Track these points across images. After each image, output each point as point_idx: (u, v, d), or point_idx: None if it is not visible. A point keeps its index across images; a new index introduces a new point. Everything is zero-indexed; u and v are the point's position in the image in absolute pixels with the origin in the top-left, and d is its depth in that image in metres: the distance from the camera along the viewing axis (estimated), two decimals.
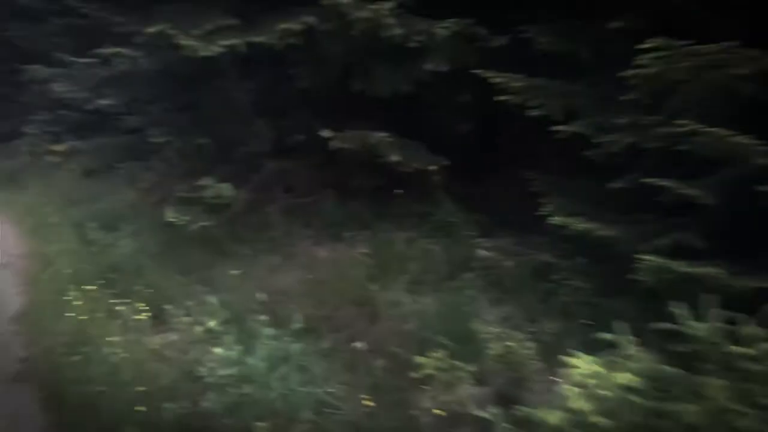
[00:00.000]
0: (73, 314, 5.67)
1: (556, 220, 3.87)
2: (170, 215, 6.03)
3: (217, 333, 4.37)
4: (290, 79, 5.93)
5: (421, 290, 4.83)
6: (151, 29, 5.15)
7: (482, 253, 4.94)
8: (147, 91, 6.30)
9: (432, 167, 5.45)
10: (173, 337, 4.96)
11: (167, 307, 5.42)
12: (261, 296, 5.05)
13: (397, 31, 4.93)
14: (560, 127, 3.98)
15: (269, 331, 3.83)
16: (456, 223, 5.30)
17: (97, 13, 5.37)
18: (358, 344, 3.98)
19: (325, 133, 5.22)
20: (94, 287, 5.79)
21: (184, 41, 5.13)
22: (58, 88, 5.96)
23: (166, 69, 5.69)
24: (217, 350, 3.68)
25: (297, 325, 4.06)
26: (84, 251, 7.21)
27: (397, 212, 5.77)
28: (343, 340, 4.09)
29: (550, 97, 4.14)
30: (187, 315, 5.00)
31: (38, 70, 10.16)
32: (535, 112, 4.10)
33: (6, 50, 17.56)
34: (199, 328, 4.55)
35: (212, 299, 4.88)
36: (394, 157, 5.31)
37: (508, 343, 3.59)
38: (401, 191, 5.51)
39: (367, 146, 5.29)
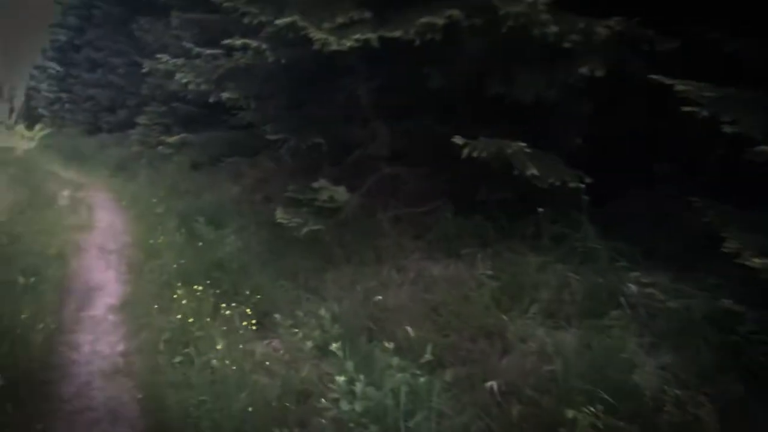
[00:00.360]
0: (176, 311, 5.48)
1: (755, 262, 3.14)
2: (280, 216, 5.73)
3: (328, 351, 3.94)
4: (418, 79, 5.48)
5: (557, 324, 4.20)
6: (282, 21, 4.85)
7: (632, 288, 4.24)
8: (267, 86, 6.06)
9: (571, 183, 4.80)
10: (280, 348, 4.61)
11: (274, 314, 5.10)
12: (374, 313, 4.60)
13: (552, 29, 4.35)
14: (762, 148, 3.25)
15: (394, 360, 3.35)
16: (598, 250, 4.63)
17: (229, 4, 5.15)
18: (491, 384, 3.40)
19: (458, 140, 4.69)
20: (199, 285, 5.57)
21: (316, 34, 4.79)
22: (180, 79, 5.79)
23: (290, 64, 5.39)
24: (340, 379, 3.22)
25: (427, 357, 3.54)
26: (189, 245, 7.09)
27: (526, 231, 5.16)
28: (472, 376, 3.54)
29: (747, 111, 3.43)
30: (295, 326, 4.63)
31: (156, 63, 10.35)
32: (729, 128, 3.39)
33: (128, 44, 18.50)
34: (309, 344, 4.15)
35: (323, 312, 4.47)
36: (531, 170, 4.70)
37: (688, 408, 2.91)
38: (540, 209, 4.88)
39: (502, 156, 4.72)
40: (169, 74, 10.98)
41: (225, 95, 5.72)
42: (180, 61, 6.03)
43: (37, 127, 37.52)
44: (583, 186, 4.60)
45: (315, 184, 5.51)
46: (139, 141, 15.58)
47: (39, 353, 4.81)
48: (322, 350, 4.13)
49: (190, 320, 5.13)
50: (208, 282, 5.74)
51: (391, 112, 5.92)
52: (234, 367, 4.26)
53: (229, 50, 5.77)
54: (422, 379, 3.27)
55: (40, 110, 35.84)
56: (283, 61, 5.30)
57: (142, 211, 10.72)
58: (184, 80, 5.90)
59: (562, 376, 3.49)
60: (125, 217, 11.00)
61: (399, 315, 4.52)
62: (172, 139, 10.43)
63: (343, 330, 4.28)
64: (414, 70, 5.42)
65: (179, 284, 5.88)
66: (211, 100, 5.96)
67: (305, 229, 5.53)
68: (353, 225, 6.23)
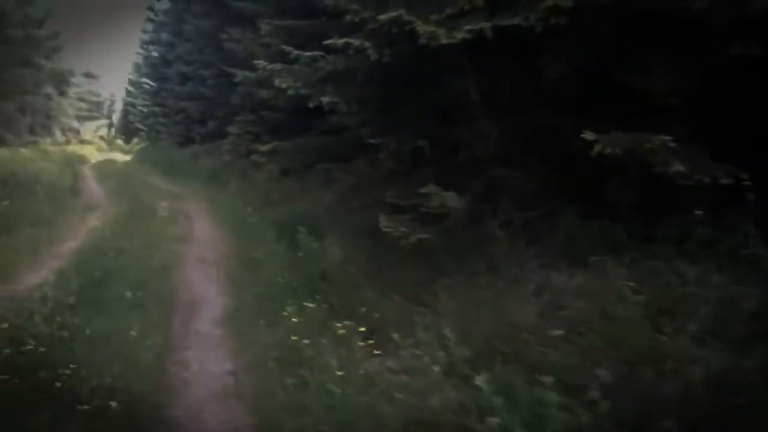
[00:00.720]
0: (282, 327, 5.26)
1: None
2: (384, 224, 5.38)
3: (458, 377, 3.53)
4: (532, 71, 4.98)
5: (723, 346, 3.56)
6: (386, 16, 4.51)
7: None
8: (368, 88, 5.74)
9: (725, 180, 4.14)
10: (398, 370, 4.24)
11: (388, 332, 4.76)
12: (502, 331, 4.14)
13: (700, 4, 3.75)
14: None
15: (550, 396, 2.87)
16: (765, 258, 3.95)
17: (330, 2, 4.89)
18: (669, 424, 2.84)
19: (588, 136, 4.15)
20: (305, 300, 5.33)
21: (423, 28, 4.41)
22: (279, 84, 5.57)
23: (393, 62, 5.04)
24: (493, 420, 2.78)
25: (594, 394, 3.03)
26: (289, 257, 6.91)
27: (668, 236, 4.52)
28: (641, 412, 3.00)
29: None
30: (414, 346, 4.25)
31: (250, 72, 10.39)
32: None
33: (217, 56, 18.96)
34: (436, 369, 3.74)
35: (447, 332, 4.05)
36: (676, 167, 4.09)
37: None
38: (699, 212, 4.23)
39: (639, 152, 4.14)
40: (260, 82, 11.04)
41: (325, 99, 5.44)
42: (278, 66, 5.82)
43: (134, 140, 39.73)
44: (745, 182, 3.93)
45: (423, 190, 5.12)
46: (229, 150, 15.87)
47: (150, 373, 4.69)
48: (449, 374, 3.72)
49: (299, 338, 4.88)
50: (315, 296, 5.49)
51: (501, 108, 5.43)
52: (352, 392, 3.93)
53: (329, 52, 5.49)
54: (585, 418, 2.76)
55: (136, 124, 37.80)
56: (385, 59, 4.96)
57: (237, 220, 10.78)
58: (283, 85, 5.69)
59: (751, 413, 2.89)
60: (221, 227, 11.10)
61: (532, 334, 4.02)
62: (264, 148, 10.40)
63: (471, 353, 3.84)
64: (528, 61, 4.92)
65: (283, 298, 5.68)
66: (311, 105, 5.71)
67: (412, 239, 5.15)
68: (461, 232, 5.79)
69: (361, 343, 4.66)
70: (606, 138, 4.24)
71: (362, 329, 4.83)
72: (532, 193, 5.78)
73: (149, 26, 36.76)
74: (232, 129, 15.60)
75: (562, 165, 5.45)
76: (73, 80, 40.23)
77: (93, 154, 36.19)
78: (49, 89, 33.13)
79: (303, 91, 5.61)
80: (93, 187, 17.79)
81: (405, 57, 5.05)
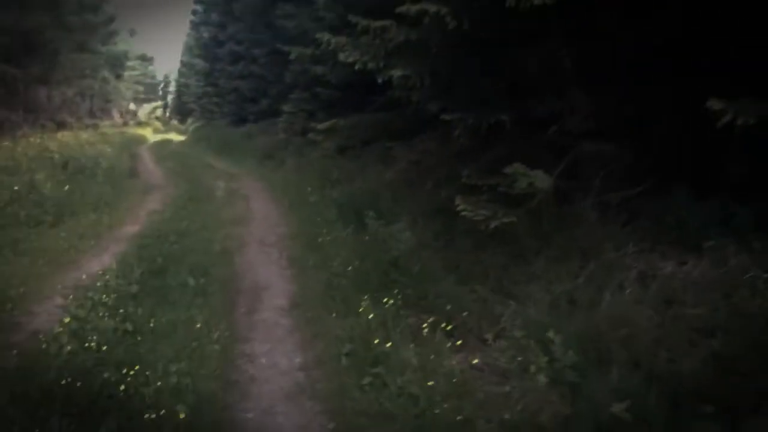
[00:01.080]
0: (352, 317, 4.87)
1: None
2: (462, 207, 4.88)
3: (568, 387, 3.06)
4: (635, 32, 4.33)
5: None
6: None
7: None
8: (441, 59, 5.20)
9: None
10: (486, 370, 3.80)
11: (473, 327, 4.31)
12: (611, 332, 3.61)
13: None
14: None
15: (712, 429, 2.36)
16: None
17: None
18: None
19: (715, 104, 3.52)
20: (376, 288, 4.92)
21: None
22: (345, 59, 5.09)
23: (473, 30, 4.48)
24: None
25: (708, 409, 2.50)
26: (354, 239, 6.52)
27: None
28: None
29: None
30: (510, 348, 3.78)
31: (302, 49, 9.99)
32: None
33: (268, 34, 18.65)
34: (542, 378, 3.26)
35: (551, 334, 3.55)
36: None
37: None
38: None
39: None
40: (316, 59, 10.62)
41: (396, 73, 4.93)
42: (342, 39, 5.34)
43: (189, 120, 40.28)
44: None
45: (508, 169, 4.58)
46: (284, 129, 15.61)
47: (216, 369, 4.40)
48: (556, 382, 3.23)
49: (373, 331, 4.48)
50: (387, 285, 5.07)
51: (596, 77, 4.81)
52: (438, 398, 3.51)
53: (399, 22, 4.97)
54: None
55: (190, 105, 38.24)
56: (465, 26, 4.41)
57: (296, 200, 10.48)
58: (349, 59, 5.22)
59: None
60: (279, 207, 10.84)
61: (649, 335, 3.48)
62: (321, 126, 10.00)
63: (579, 358, 3.34)
64: (631, 21, 4.28)
65: (352, 286, 5.30)
66: (379, 80, 5.21)
67: (494, 222, 4.64)
68: (547, 213, 5.24)
69: (439, 338, 4.22)
70: (737, 105, 3.59)
71: (440, 322, 4.39)
72: (628, 170, 5.16)
73: (199, 7, 36.86)
74: (286, 107, 15.30)
75: (667, 138, 4.80)
76: (129, 63, 41.04)
77: (150, 135, 36.88)
78: (107, 73, 33.83)
79: (371, 65, 5.13)
80: (151, 169, 17.91)
81: (487, 23, 4.49)
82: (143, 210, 10.45)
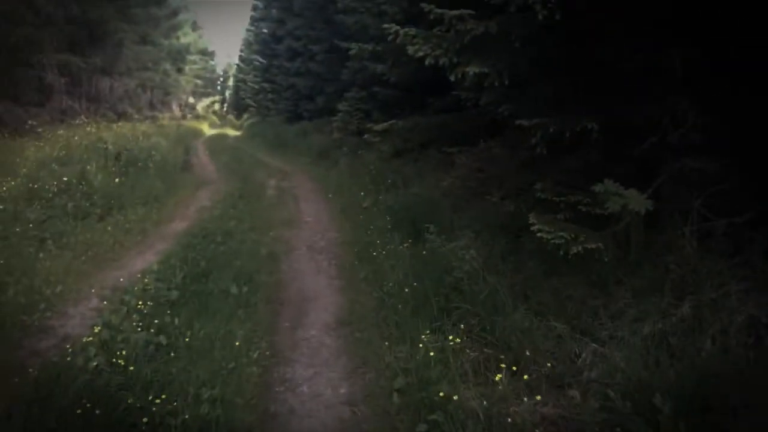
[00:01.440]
0: (411, 349, 4.32)
1: None
2: (539, 227, 4.25)
3: None
4: (758, 29, 3.62)
5: None
6: None
7: None
8: (523, 55, 4.58)
9: None
10: (566, 429, 3.18)
11: (545, 367, 3.69)
12: (714, 392, 2.94)
13: None
14: None
15: None
16: None
17: None
18: None
19: None
20: (439, 317, 4.35)
21: None
22: (414, 53, 4.53)
23: (563, 22, 3.85)
24: None
25: None
26: (411, 254, 5.96)
27: None
28: None
29: None
30: (587, 396, 3.16)
31: (362, 45, 9.49)
32: None
33: (327, 30, 18.34)
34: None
35: (656, 399, 2.91)
36: None
37: None
38: None
39: None
40: (376, 55, 10.11)
41: (472, 70, 4.34)
42: (412, 30, 4.78)
43: (244, 116, 40.64)
44: None
45: (597, 187, 3.92)
46: (338, 128, 15.21)
47: (253, 397, 3.93)
48: None
49: (430, 366, 3.92)
50: (447, 312, 4.49)
51: (709, 83, 4.09)
52: None
53: (478, 12, 4.38)
54: None
55: (247, 100, 38.55)
56: (557, 17, 3.79)
57: (348, 204, 10.02)
58: (419, 54, 4.66)
59: None
60: (330, 209, 10.39)
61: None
62: (378, 126, 9.48)
63: (682, 422, 2.69)
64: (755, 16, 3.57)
65: (408, 310, 4.74)
66: (452, 77, 4.64)
67: (575, 248, 4.00)
68: (635, 239, 4.55)
69: (508, 380, 3.62)
70: None
71: (509, 362, 3.80)
72: (735, 194, 4.41)
73: (260, 2, 37.13)
74: (341, 106, 14.90)
75: None
76: (190, 57, 41.71)
77: (206, 129, 37.36)
78: (168, 66, 34.37)
79: (443, 61, 4.55)
80: (205, 163, 17.85)
81: (583, 16, 3.85)
82: (193, 206, 10.20)
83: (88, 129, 13.71)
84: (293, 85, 23.91)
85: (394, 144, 11.05)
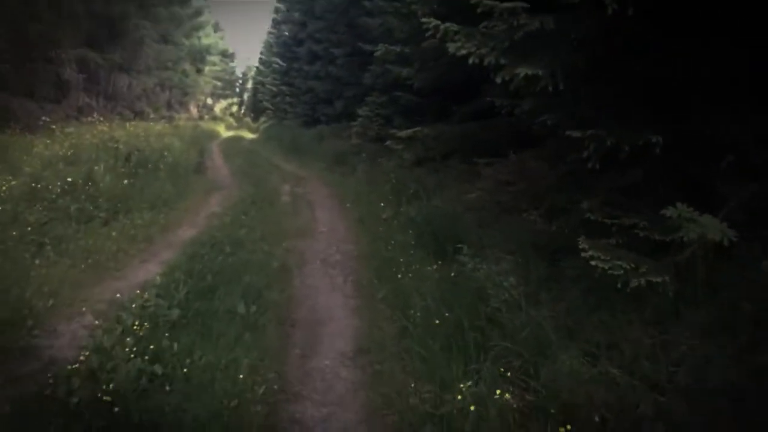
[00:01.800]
0: (440, 389, 3.75)
1: None
2: (593, 255, 3.68)
3: None
4: None
5: None
6: None
7: None
8: (580, 55, 4.00)
9: None
10: None
11: (603, 428, 3.11)
12: None
13: None
14: None
15: None
16: None
17: None
18: None
19: None
20: (474, 355, 3.77)
21: None
22: (456, 51, 3.98)
23: (634, 18, 3.28)
24: None
25: None
26: (438, 275, 5.39)
27: None
28: None
29: None
30: None
31: (388, 46, 8.99)
32: None
33: (349, 33, 17.87)
34: None
35: None
36: None
37: None
38: None
39: None
40: (401, 57, 9.59)
41: (522, 71, 3.78)
42: (454, 26, 4.23)
43: (261, 119, 40.35)
44: None
45: (668, 211, 3.35)
46: (357, 133, 14.70)
47: None
48: None
49: (463, 414, 3.35)
50: (483, 347, 3.91)
51: None
52: None
53: (534, 6, 3.81)
54: None
55: (264, 103, 38.27)
56: (630, 12, 3.23)
57: (366, 214, 9.48)
58: (462, 52, 4.11)
59: None
60: (347, 219, 9.86)
61: None
62: (402, 133, 8.95)
63: None
64: None
65: (437, 344, 4.17)
66: (498, 79, 4.08)
67: (637, 281, 3.42)
68: (702, 270, 3.95)
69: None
70: None
71: (557, 415, 3.22)
72: None
73: (282, 5, 36.86)
74: (361, 111, 14.37)
75: None
76: (210, 58, 41.55)
77: (223, 130, 37.09)
78: (188, 66, 34.19)
79: (488, 60, 4.00)
80: (218, 165, 17.42)
81: (660, 12, 3.28)
82: (203, 212, 9.72)
83: (101, 127, 13.31)
84: (312, 89, 23.47)
85: (416, 152, 10.50)
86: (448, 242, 5.70)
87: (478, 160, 8.76)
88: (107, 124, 14.32)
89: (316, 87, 22.62)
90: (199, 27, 34.28)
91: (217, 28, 43.57)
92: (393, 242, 7.25)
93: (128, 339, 4.17)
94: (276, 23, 40.43)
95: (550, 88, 3.90)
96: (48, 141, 11.50)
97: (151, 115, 25.71)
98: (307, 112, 24.96)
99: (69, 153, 9.90)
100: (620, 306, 4.07)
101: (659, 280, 3.52)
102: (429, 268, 5.58)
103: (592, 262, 3.70)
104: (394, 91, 12.33)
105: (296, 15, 30.45)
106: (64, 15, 16.54)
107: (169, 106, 32.51)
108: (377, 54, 8.79)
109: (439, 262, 5.59)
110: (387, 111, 13.42)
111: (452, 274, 5.15)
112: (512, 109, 5.97)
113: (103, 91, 21.82)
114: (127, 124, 15.56)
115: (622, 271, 3.56)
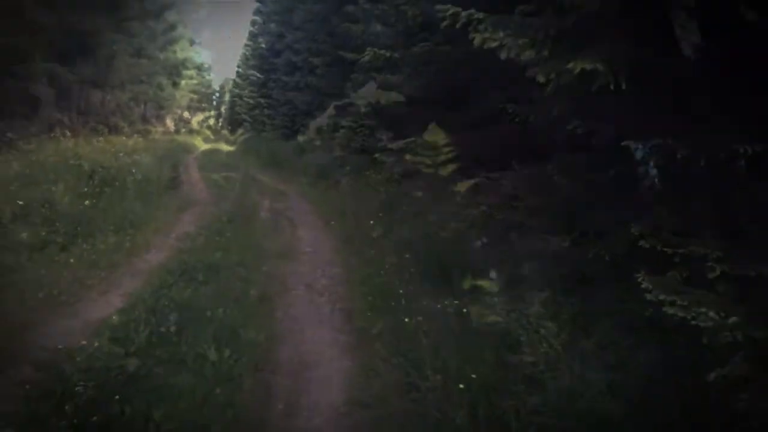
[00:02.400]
0: None
1: None
2: (665, 299, 2.91)
3: None
4: None
5: None
6: None
7: None
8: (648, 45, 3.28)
9: None
10: None
11: None
12: None
13: None
14: None
15: None
16: None
17: None
18: None
19: None
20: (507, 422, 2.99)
21: None
22: (485, 44, 3.24)
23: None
24: None
25: None
26: (451, 314, 4.59)
27: None
28: None
29: None
30: None
31: (377, 50, 8.28)
32: None
33: (331, 41, 17.16)
34: None
35: None
36: None
37: None
38: None
39: None
40: (391, 64, 8.86)
41: (577, 66, 3.01)
42: (478, 14, 3.48)
43: (239, 131, 39.42)
44: None
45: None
46: (341, 144, 13.93)
47: None
48: None
49: None
50: (518, 417, 3.12)
51: None
52: None
53: None
54: None
55: (242, 115, 37.47)
56: None
57: (353, 232, 8.68)
58: (492, 44, 3.38)
59: None
60: (332, 239, 9.07)
61: None
62: (394, 144, 8.23)
63: None
64: None
65: (455, 411, 3.38)
66: (540, 77, 3.34)
67: (728, 336, 2.68)
68: None
69: None
70: None
71: None
72: None
73: (259, 17, 36.18)
74: (344, 121, 13.64)
75: None
76: (187, 72, 40.56)
77: (200, 143, 36.05)
78: (163, 80, 33.19)
79: (527, 54, 3.26)
80: (195, 180, 16.50)
81: None
82: (174, 232, 8.85)
83: (66, 144, 12.39)
84: (290, 101, 22.74)
85: (408, 164, 9.75)
86: (454, 267, 4.94)
87: (477, 172, 8.05)
88: (73, 140, 13.38)
89: (295, 98, 21.90)
90: (174, 41, 33.31)
91: (192, 41, 42.62)
92: (387, 266, 6.47)
93: (67, 407, 3.33)
94: (252, 36, 39.69)
95: (612, 87, 3.13)
96: (9, 158, 10.57)
97: (125, 130, 24.72)
98: (287, 124, 24.19)
99: (27, 172, 8.98)
100: (689, 359, 3.27)
101: (761, 337, 2.76)
102: (437, 305, 4.75)
103: (667, 310, 2.93)
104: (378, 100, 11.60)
105: (273, 26, 29.81)
106: (34, 28, 15.60)
107: (145, 120, 31.46)
108: (364, 59, 8.06)
109: (450, 298, 4.76)
110: (371, 121, 12.70)
111: (466, 312, 4.34)
112: (527, 117, 5.26)
113: (75, 107, 20.90)
114: (95, 140, 14.60)
115: (710, 323, 2.80)
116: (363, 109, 12.85)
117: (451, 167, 7.89)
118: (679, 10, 3.09)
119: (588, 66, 3.03)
